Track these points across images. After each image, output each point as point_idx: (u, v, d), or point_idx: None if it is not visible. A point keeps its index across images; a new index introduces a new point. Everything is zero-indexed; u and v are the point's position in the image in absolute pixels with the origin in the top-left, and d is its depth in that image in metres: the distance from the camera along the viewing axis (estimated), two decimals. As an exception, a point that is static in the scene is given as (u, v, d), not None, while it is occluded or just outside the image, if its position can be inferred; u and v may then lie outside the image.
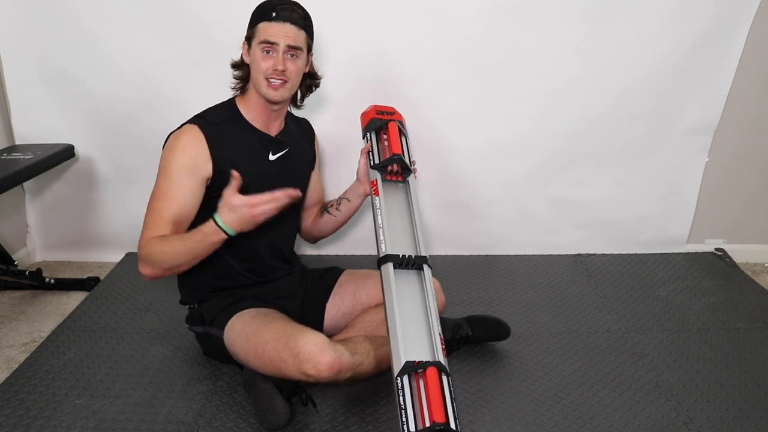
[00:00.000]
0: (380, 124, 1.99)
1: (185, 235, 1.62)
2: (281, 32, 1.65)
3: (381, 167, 1.88)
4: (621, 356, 1.94)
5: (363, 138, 2.02)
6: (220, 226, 1.54)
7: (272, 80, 1.68)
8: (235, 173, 1.54)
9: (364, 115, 2.06)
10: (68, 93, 2.41)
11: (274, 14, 1.65)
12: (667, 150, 2.53)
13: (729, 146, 2.57)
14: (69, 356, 1.90)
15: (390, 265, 1.63)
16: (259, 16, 1.68)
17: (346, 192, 2.00)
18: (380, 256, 1.67)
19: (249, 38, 1.70)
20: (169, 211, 1.63)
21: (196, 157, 1.65)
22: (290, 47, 1.66)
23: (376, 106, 2.07)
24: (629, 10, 2.28)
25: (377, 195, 1.80)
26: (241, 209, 1.52)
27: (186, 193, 1.65)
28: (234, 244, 1.76)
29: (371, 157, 1.91)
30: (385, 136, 1.97)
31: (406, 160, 1.89)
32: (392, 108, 2.08)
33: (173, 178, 1.64)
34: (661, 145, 2.52)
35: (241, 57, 1.75)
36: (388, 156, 1.89)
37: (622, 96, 2.41)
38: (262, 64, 1.66)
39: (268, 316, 1.69)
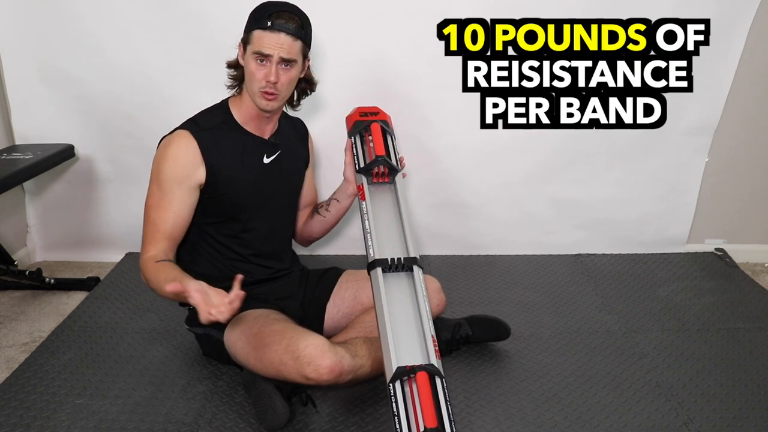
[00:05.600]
0: (364, 125, 1.95)
1: (169, 279, 1.50)
2: (275, 43, 1.61)
3: (366, 170, 1.85)
4: (621, 356, 1.94)
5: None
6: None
7: (265, 91, 1.66)
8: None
9: (348, 118, 2.02)
10: (68, 93, 2.41)
11: (269, 23, 1.61)
12: (667, 150, 2.52)
13: (729, 146, 2.56)
14: (69, 356, 1.90)
15: (378, 270, 1.63)
16: (254, 21, 1.64)
17: (335, 192, 1.97)
18: (369, 261, 1.67)
19: (245, 42, 1.67)
20: (165, 223, 1.65)
21: (186, 166, 1.65)
22: (283, 59, 1.64)
23: (359, 108, 2.04)
24: (629, 10, 2.28)
25: (364, 200, 1.79)
26: (199, 303, 1.39)
27: (179, 203, 1.66)
28: (232, 242, 1.77)
29: (356, 161, 1.88)
30: (369, 138, 1.93)
31: (392, 160, 1.86)
32: (376, 108, 2.04)
33: (165, 189, 1.65)
34: (661, 145, 2.51)
35: (237, 57, 1.73)
36: (373, 158, 1.85)
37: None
38: (255, 74, 1.64)
39: (269, 318, 1.69)
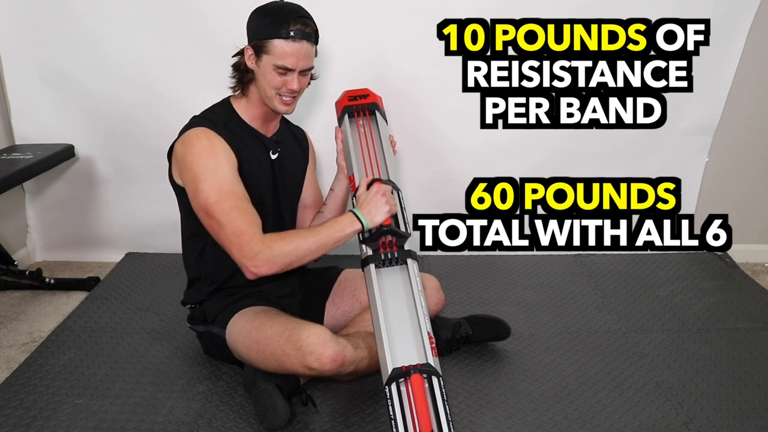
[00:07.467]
0: (353, 110, 1.89)
1: (314, 230, 1.63)
2: (300, 55, 1.60)
3: (372, 240, 1.64)
4: (621, 356, 1.94)
5: (339, 127, 1.92)
6: (358, 217, 1.60)
7: (285, 97, 1.67)
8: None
9: (337, 103, 1.97)
10: (68, 93, 2.41)
11: (292, 33, 1.58)
12: (667, 150, 2.53)
13: (729, 146, 2.57)
14: (69, 356, 1.90)
15: (372, 267, 1.59)
16: (272, 28, 1.59)
17: (332, 184, 1.92)
18: (362, 257, 1.63)
19: (258, 49, 1.62)
20: (247, 203, 1.62)
21: (227, 151, 1.63)
22: (304, 69, 1.65)
23: (348, 91, 1.97)
24: (629, 10, 2.28)
25: (354, 191, 1.74)
26: (376, 197, 1.60)
27: (240, 183, 1.63)
28: None
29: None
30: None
31: (400, 224, 1.67)
32: (365, 90, 1.95)
33: (225, 175, 1.61)
34: (661, 145, 2.51)
35: (244, 61, 1.67)
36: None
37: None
38: (275, 81, 1.63)
39: (270, 313, 1.70)
